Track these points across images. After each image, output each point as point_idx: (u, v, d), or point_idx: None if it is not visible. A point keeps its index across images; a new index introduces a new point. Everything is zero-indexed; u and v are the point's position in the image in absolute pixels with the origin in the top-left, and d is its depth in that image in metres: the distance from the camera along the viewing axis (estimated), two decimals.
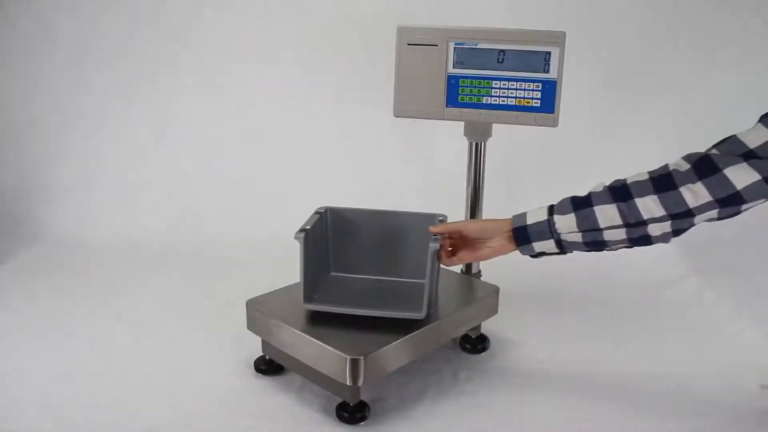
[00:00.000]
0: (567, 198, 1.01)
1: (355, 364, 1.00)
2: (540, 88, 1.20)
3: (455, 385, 1.19)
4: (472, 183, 1.33)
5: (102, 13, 1.96)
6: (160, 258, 1.79)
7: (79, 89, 2.00)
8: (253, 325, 1.17)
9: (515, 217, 1.05)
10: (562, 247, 1.02)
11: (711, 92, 1.88)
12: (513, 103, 1.21)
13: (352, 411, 1.07)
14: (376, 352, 1.02)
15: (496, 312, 1.29)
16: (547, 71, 1.19)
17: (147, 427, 1.06)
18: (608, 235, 0.97)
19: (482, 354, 1.30)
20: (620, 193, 0.95)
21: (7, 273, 1.68)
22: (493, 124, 1.28)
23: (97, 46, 1.98)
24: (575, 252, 1.03)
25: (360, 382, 1.01)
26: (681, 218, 0.92)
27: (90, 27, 1.97)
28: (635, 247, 1.00)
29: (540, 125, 1.22)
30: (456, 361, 1.27)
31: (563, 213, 1.00)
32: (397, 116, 1.27)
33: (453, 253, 1.11)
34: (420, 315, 1.09)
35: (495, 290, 1.28)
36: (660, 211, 0.92)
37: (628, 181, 0.96)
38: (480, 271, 1.40)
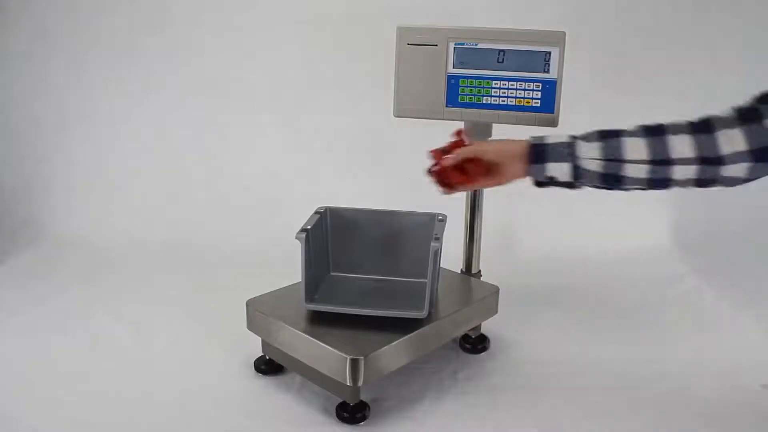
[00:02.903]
0: (595, 130, 0.95)
1: (355, 364, 1.00)
2: (540, 88, 1.20)
3: (455, 385, 1.19)
4: None
5: (102, 13, 1.96)
6: (160, 258, 1.79)
7: (79, 89, 2.00)
8: (253, 325, 1.18)
9: (534, 136, 0.98)
10: (576, 176, 0.95)
11: (711, 92, 1.87)
12: (513, 103, 1.21)
13: (352, 411, 1.07)
14: (376, 352, 1.02)
15: (496, 312, 1.29)
16: (547, 71, 1.19)
17: (147, 426, 1.06)
18: (629, 170, 0.91)
19: (482, 354, 1.30)
20: (654, 130, 0.91)
21: (7, 273, 1.68)
22: (493, 124, 1.28)
23: (97, 46, 1.98)
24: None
25: (360, 382, 1.01)
26: (709, 164, 0.87)
27: (90, 27, 1.97)
28: (649, 190, 0.94)
29: (540, 125, 1.22)
30: (456, 361, 1.27)
31: (588, 140, 0.94)
32: (397, 116, 1.27)
33: (466, 178, 1.03)
34: (422, 314, 1.09)
35: (495, 290, 1.28)
36: (691, 152, 0.87)
37: (665, 122, 0.91)
38: (480, 271, 1.40)
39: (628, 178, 0.93)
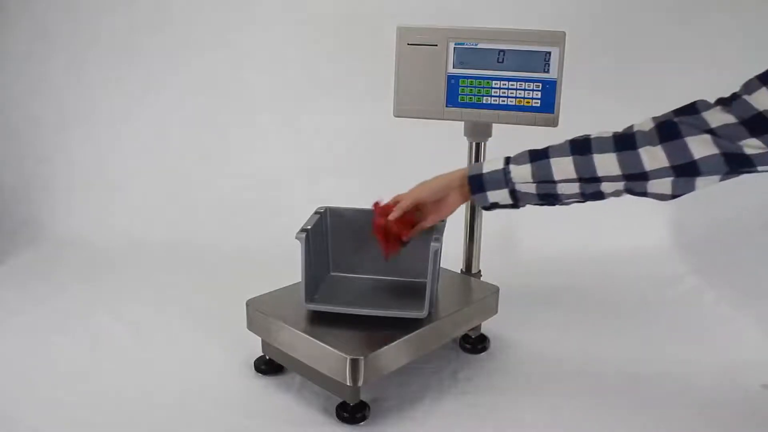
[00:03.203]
0: (525, 150, 1.00)
1: (355, 364, 1.00)
2: (540, 88, 1.20)
3: (455, 385, 1.19)
4: None
5: (102, 14, 1.96)
6: (160, 258, 1.79)
7: (79, 89, 2.00)
8: (253, 325, 1.17)
9: (471, 166, 1.04)
10: (516, 199, 1.01)
11: (712, 92, 1.88)
12: (513, 103, 1.21)
13: (352, 411, 1.07)
14: (376, 352, 1.02)
15: (496, 312, 1.29)
16: (547, 71, 1.19)
17: (147, 426, 1.06)
18: (562, 189, 0.96)
19: (482, 354, 1.30)
20: (580, 146, 0.95)
21: (7, 273, 1.68)
22: (493, 124, 1.28)
23: (97, 46, 1.98)
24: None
25: (360, 383, 1.01)
26: (635, 180, 0.91)
27: (90, 27, 1.97)
28: (587, 202, 0.99)
29: (540, 125, 1.22)
30: (456, 361, 1.27)
31: (519, 163, 0.99)
32: (397, 116, 1.27)
33: (412, 224, 1.11)
34: (422, 314, 1.09)
35: (495, 290, 1.28)
36: (616, 170, 0.91)
37: (591, 136, 0.95)
38: (480, 271, 1.40)
39: (563, 195, 0.97)
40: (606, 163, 0.92)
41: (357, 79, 1.94)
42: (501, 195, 1.01)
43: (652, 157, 0.89)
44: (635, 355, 1.31)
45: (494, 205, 1.03)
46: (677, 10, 1.88)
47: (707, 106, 0.90)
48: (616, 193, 0.96)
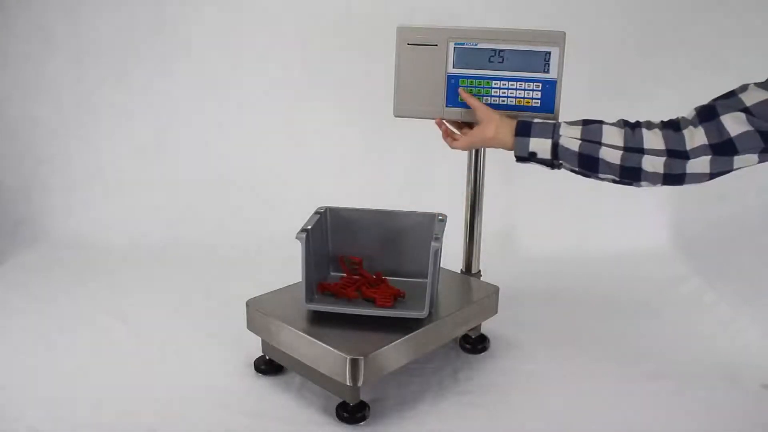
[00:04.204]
0: (581, 118, 1.04)
1: (355, 364, 1.00)
2: (540, 88, 1.20)
3: (455, 385, 1.19)
4: (472, 183, 1.33)
5: (102, 14, 1.96)
6: (160, 258, 1.79)
7: (79, 89, 2.00)
8: (253, 325, 1.17)
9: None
10: (555, 154, 1.03)
11: (712, 92, 1.88)
12: (513, 103, 1.21)
13: (352, 411, 1.07)
14: (376, 352, 1.02)
15: (496, 312, 1.29)
16: (547, 71, 1.19)
17: (147, 427, 1.06)
18: (604, 153, 0.99)
19: (482, 354, 1.30)
20: (630, 124, 1.01)
21: (7, 273, 1.68)
22: None
23: (97, 46, 1.98)
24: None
25: (360, 382, 1.01)
26: (676, 157, 0.95)
27: (90, 27, 1.97)
28: (621, 184, 1.02)
29: None
30: (456, 361, 1.27)
31: (571, 123, 1.04)
32: (397, 116, 1.27)
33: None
34: (422, 314, 1.09)
35: (495, 290, 1.28)
36: (660, 144, 0.96)
37: (641, 120, 1.01)
38: (480, 271, 1.40)
39: (603, 161, 1.00)
40: (652, 138, 0.97)
41: (357, 79, 1.94)
42: (542, 145, 1.04)
43: (692, 136, 0.94)
44: (635, 355, 1.31)
45: (530, 157, 1.05)
46: (677, 10, 1.88)
47: (744, 87, 0.94)
48: (653, 178, 0.98)
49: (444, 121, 1.20)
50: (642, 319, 1.48)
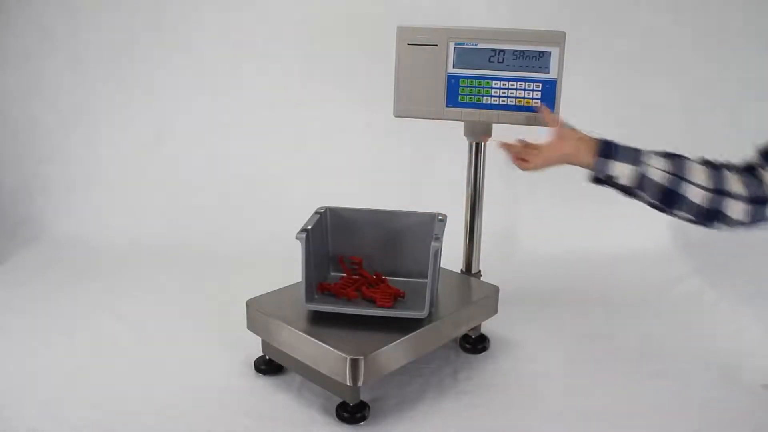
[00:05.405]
0: (658, 149, 1.00)
1: (355, 364, 1.00)
2: (540, 88, 1.20)
3: (455, 385, 1.19)
4: (472, 183, 1.33)
5: (101, 13, 1.96)
6: (160, 258, 1.79)
7: (79, 89, 2.00)
8: (253, 325, 1.18)
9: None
10: (637, 183, 0.98)
11: (712, 92, 1.88)
12: (513, 103, 1.21)
13: (352, 411, 1.07)
14: (376, 352, 1.02)
15: (496, 312, 1.29)
16: (547, 71, 1.19)
17: (147, 427, 1.06)
18: (689, 191, 0.96)
19: (482, 354, 1.30)
20: (712, 163, 0.98)
21: (7, 273, 1.68)
22: (493, 124, 1.28)
23: (97, 46, 1.98)
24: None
25: (360, 382, 1.01)
26: (758, 204, 0.94)
27: (89, 27, 1.97)
28: (693, 224, 0.99)
29: (540, 125, 1.22)
30: (456, 361, 1.27)
31: (654, 153, 0.99)
32: (397, 116, 1.27)
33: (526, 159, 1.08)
34: (422, 314, 1.09)
35: (495, 290, 1.28)
36: (741, 189, 0.94)
37: (716, 160, 0.99)
38: (480, 271, 1.40)
39: (685, 199, 0.96)
40: (734, 182, 0.94)
41: (357, 79, 1.94)
42: (624, 170, 0.98)
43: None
44: (635, 354, 1.31)
45: (606, 180, 1.01)
46: (677, 10, 1.88)
47: None
48: (734, 223, 0.96)
49: (514, 142, 1.10)
50: (642, 319, 1.48)
